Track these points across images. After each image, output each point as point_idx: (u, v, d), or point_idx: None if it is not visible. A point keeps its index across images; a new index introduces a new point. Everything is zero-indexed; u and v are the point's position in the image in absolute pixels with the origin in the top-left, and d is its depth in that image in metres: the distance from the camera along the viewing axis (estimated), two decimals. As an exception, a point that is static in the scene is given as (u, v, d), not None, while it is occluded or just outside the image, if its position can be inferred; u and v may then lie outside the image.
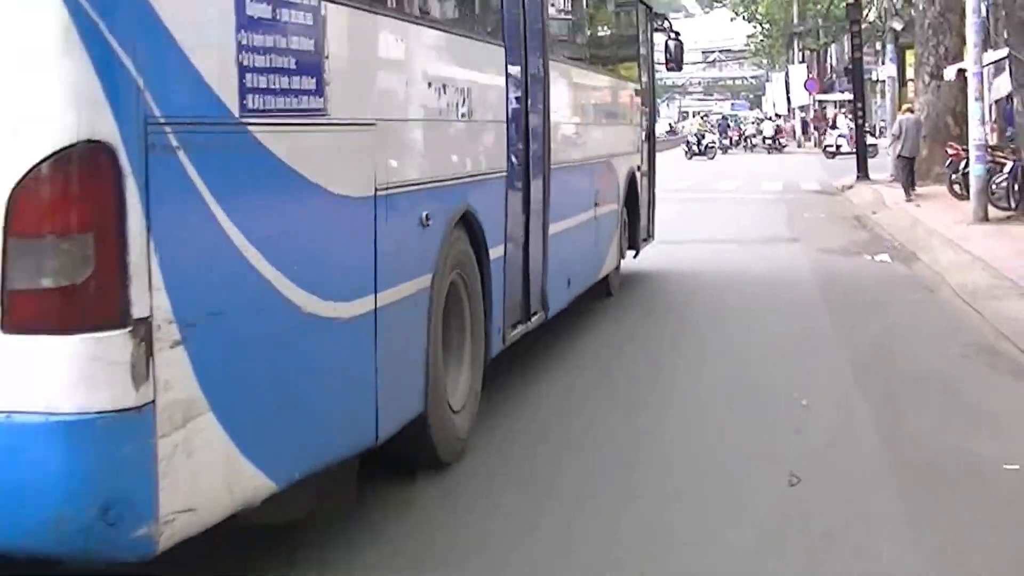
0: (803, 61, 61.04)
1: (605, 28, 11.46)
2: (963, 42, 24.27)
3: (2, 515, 3.06)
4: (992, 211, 16.71)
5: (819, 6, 56.27)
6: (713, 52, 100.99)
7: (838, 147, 46.16)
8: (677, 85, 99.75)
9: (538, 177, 7.40)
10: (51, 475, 3.02)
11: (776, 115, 66.39)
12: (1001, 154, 18.08)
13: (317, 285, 4.05)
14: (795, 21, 58.30)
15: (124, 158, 3.07)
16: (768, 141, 51.98)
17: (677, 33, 13.83)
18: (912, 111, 24.95)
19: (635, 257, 12.10)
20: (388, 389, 4.73)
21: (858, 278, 12.92)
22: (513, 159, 6.87)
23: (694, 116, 78.04)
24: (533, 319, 7.35)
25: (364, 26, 4.66)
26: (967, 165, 19.48)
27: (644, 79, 12.44)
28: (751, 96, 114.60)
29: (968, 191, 19.59)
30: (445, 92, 5.63)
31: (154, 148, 3.17)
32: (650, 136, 12.78)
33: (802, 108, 59.61)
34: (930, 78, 24.33)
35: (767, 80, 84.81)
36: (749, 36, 72.89)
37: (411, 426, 5.07)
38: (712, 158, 45.47)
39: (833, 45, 64.06)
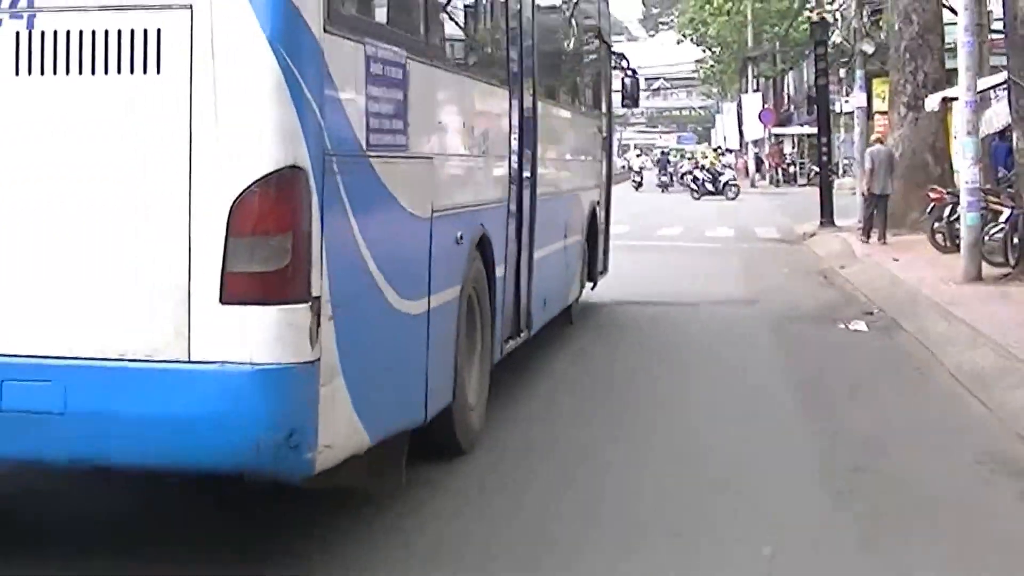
0: (758, 89, 60.39)
1: (575, 68, 12.91)
2: (944, 67, 23.46)
3: (212, 441, 4.49)
4: (986, 268, 15.51)
5: (776, 28, 55.78)
6: (658, 80, 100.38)
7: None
8: (617, 116, 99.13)
9: (528, 206, 9.11)
10: (254, 410, 4.47)
11: (727, 150, 65.88)
12: (996, 200, 16.95)
13: (398, 284, 5.63)
14: (749, 45, 57.68)
15: (312, 180, 4.60)
16: (704, 183, 46.42)
17: (634, 71, 15.70)
18: (882, 142, 24.21)
19: (592, 289, 13.60)
20: (434, 378, 6.33)
21: (832, 355, 11.65)
22: (512, 189, 8.69)
23: (635, 149, 77.62)
24: (521, 335, 9.10)
25: (426, 75, 6.27)
26: (954, 212, 18.46)
27: (605, 117, 14.34)
28: (699, 128, 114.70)
29: (955, 242, 18.61)
30: (474, 130, 7.62)
31: (327, 173, 4.71)
32: (608, 172, 14.67)
33: (756, 142, 58.90)
34: (907, 109, 23.35)
35: (717, 111, 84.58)
36: (698, 61, 72.40)
37: (440, 415, 6.52)
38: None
39: (791, 73, 63.74)
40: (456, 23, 7.82)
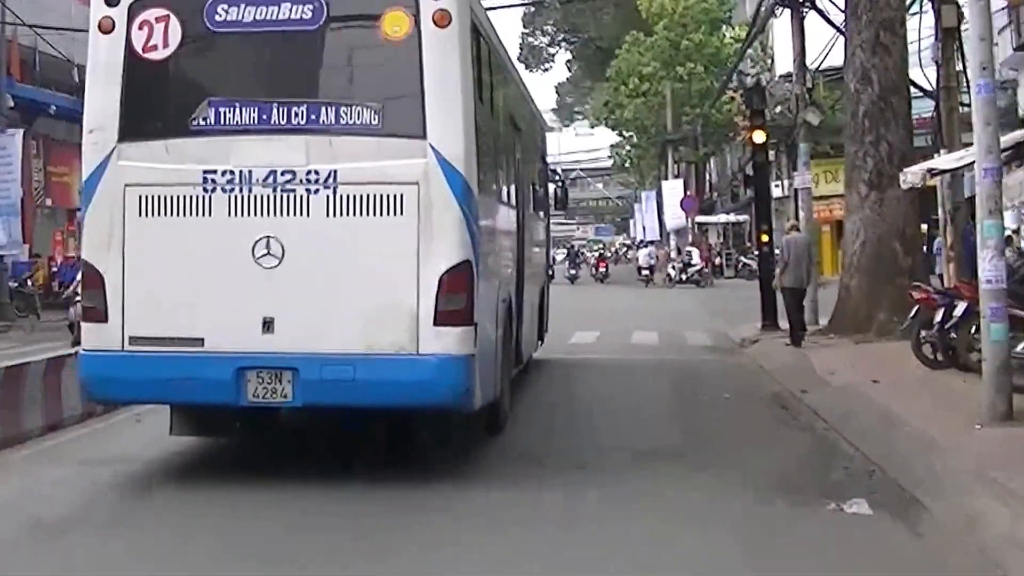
0: (678, 176, 56.26)
1: (536, 184, 17.10)
2: (912, 137, 19.32)
3: (429, 393, 9.09)
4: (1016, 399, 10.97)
5: (697, 109, 51.93)
6: (573, 171, 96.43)
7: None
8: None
9: (520, 279, 13.66)
10: (450, 377, 9.11)
11: (649, 242, 61.86)
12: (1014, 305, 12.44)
13: (489, 321, 10.45)
14: (668, 128, 53.69)
15: (473, 267, 9.28)
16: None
17: (564, 181, 22.17)
18: (798, 229, 20.60)
19: (541, 344, 17.24)
20: (494, 378, 10.62)
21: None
22: (517, 270, 13.48)
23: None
24: (519, 366, 13.90)
25: (503, 208, 12.20)
26: (947, 317, 14.10)
27: (546, 218, 19.28)
28: (617, 219, 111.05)
29: (948, 356, 14.29)
30: (508, 235, 12.74)
31: (476, 264, 9.39)
32: (548, 258, 20.74)
33: (678, 232, 54.65)
34: (868, 188, 19.05)
35: (636, 200, 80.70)
36: (614, 146, 68.47)
37: (492, 403, 10.65)
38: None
39: (712, 158, 60.00)
40: (505, 180, 12.58)
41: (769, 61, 46.49)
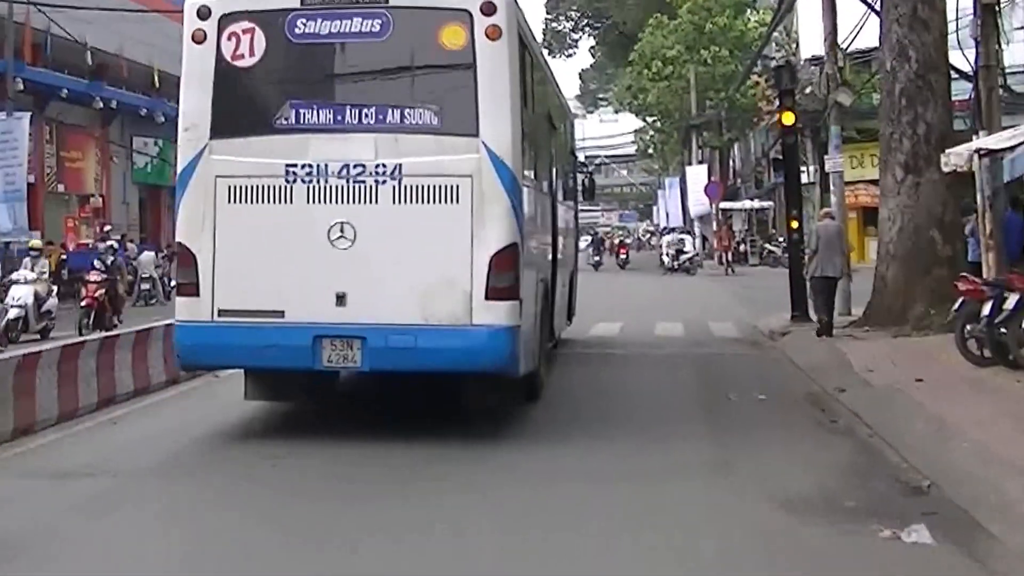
0: (703, 161, 54.84)
1: (568, 176, 18.90)
2: (951, 117, 18.08)
3: (481, 358, 10.23)
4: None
5: (722, 93, 50.58)
6: (597, 157, 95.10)
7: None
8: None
9: (555, 262, 14.85)
10: (499, 345, 10.25)
11: (670, 229, 60.59)
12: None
13: (530, 295, 11.39)
14: (693, 112, 52.30)
15: (520, 249, 10.52)
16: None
17: (591, 173, 23.66)
18: (832, 217, 19.41)
19: (569, 325, 18.52)
20: (534, 349, 11.72)
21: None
22: (551, 255, 14.61)
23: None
24: (552, 341, 15.06)
25: (541, 197, 13.55)
26: (997, 310, 12.92)
27: (576, 206, 20.43)
28: (640, 206, 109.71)
29: (994, 352, 13.25)
30: (547, 221, 14.23)
31: (521, 245, 10.59)
32: (576, 243, 21.93)
33: (702, 219, 53.31)
34: (904, 172, 17.79)
35: (659, 187, 79.38)
36: (637, 131, 67.08)
37: (531, 372, 11.68)
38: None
39: (736, 144, 58.64)
40: (543, 172, 14.06)
41: (794, 45, 45.19)
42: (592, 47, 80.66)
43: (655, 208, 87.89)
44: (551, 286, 14.16)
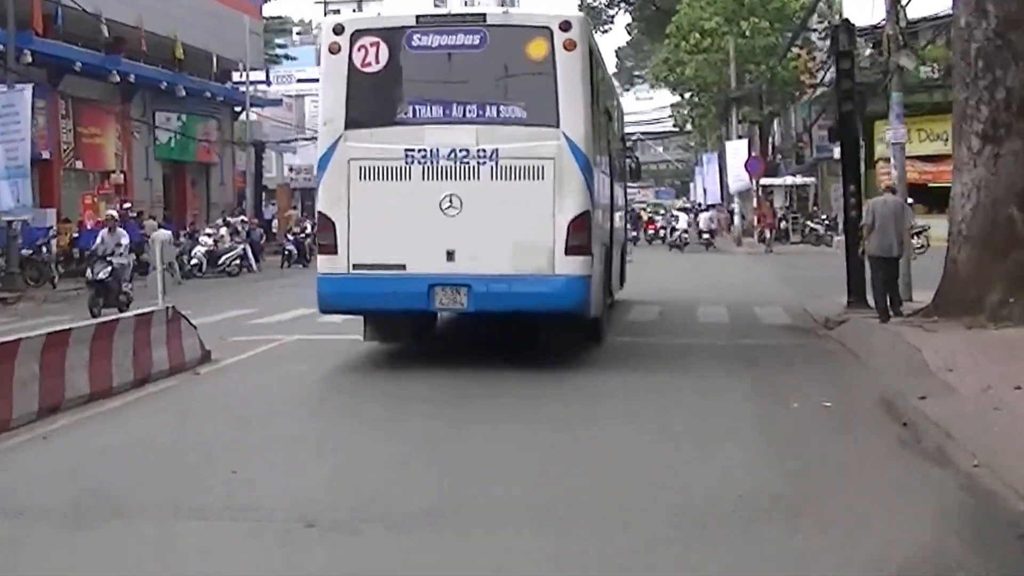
0: (742, 136, 52.23)
1: (619, 158, 20.42)
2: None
3: (562, 302, 12.72)
4: None
5: (762, 66, 48.05)
6: (634, 134, 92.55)
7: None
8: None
9: (613, 233, 17.38)
10: (576, 291, 12.77)
11: (708, 205, 58.12)
12: None
13: (599, 254, 14.10)
14: (732, 85, 49.70)
15: (591, 216, 13.14)
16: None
17: (637, 156, 27.68)
18: (894, 191, 17.38)
19: (621, 288, 20.02)
20: (602, 298, 14.68)
21: None
22: (611, 226, 17.02)
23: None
24: (610, 299, 17.61)
25: (604, 178, 15.98)
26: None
27: (625, 185, 22.75)
28: (677, 183, 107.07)
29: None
30: (606, 194, 16.17)
31: (592, 213, 13.28)
32: (626, 217, 25.84)
33: (741, 195, 50.80)
34: (982, 142, 15.41)
35: (696, 163, 76.79)
36: (674, 105, 64.50)
37: (597, 319, 14.15)
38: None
39: (776, 119, 56.07)
40: (603, 156, 15.88)
41: (837, 16, 42.58)
42: (628, 24, 78.28)
43: (692, 185, 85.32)
44: (610, 251, 16.80)
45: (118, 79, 35.00)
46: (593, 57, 13.87)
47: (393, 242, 12.80)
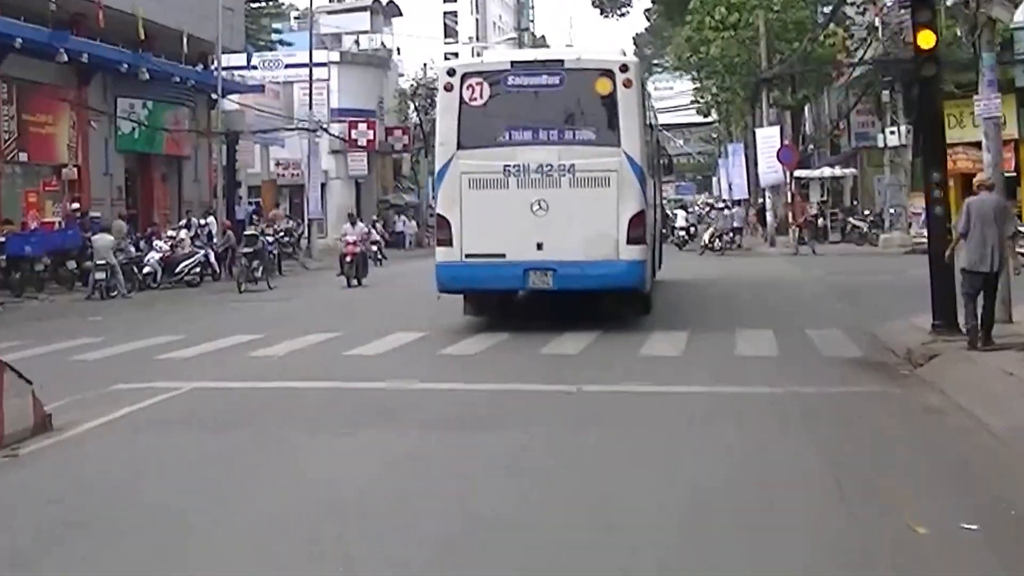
0: (772, 123, 47.59)
1: (658, 163, 24.31)
2: None
3: (624, 281, 16.66)
4: None
5: (794, 45, 43.67)
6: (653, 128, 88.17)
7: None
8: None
9: (656, 224, 22.35)
10: (635, 273, 16.74)
11: (733, 201, 53.82)
12: None
13: (651, 241, 19.15)
14: (763, 65, 45.11)
15: (647, 213, 17.49)
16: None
17: (669, 154, 31.90)
18: (990, 188, 13.63)
19: (659, 270, 22.96)
20: (651, 274, 18.69)
21: None
22: (655, 215, 22.38)
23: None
24: (655, 275, 20.74)
25: (648, 180, 18.89)
26: None
27: (660, 184, 27.04)
28: (699, 177, 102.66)
29: None
30: (652, 196, 20.32)
31: (646, 212, 17.41)
32: (662, 208, 32.80)
33: (773, 188, 46.27)
34: None
35: (721, 155, 72.29)
36: (698, 89, 59.93)
37: (646, 293, 17.82)
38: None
39: (808, 104, 51.64)
40: (650, 165, 19.38)
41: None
42: (647, 9, 74.15)
43: (715, 179, 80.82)
44: (656, 240, 21.25)
45: (67, 59, 30.90)
46: (644, 90, 19.54)
47: (495, 236, 16.59)
